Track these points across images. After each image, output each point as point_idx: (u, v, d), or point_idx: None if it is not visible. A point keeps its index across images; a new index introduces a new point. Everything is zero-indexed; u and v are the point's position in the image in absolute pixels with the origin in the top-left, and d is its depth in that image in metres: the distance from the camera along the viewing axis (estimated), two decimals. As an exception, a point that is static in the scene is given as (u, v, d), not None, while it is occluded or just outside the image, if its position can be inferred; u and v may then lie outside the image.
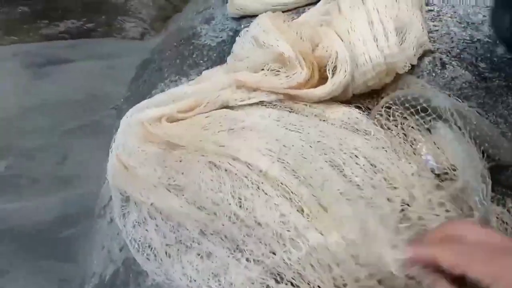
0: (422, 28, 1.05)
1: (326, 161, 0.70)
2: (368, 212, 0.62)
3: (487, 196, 0.68)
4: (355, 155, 0.76)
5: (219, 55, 1.27)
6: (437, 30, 1.11)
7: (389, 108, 0.88)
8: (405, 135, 0.85)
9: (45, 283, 1.58)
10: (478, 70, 1.00)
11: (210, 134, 0.71)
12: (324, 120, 0.87)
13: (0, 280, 1.57)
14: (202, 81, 0.83)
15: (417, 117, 0.84)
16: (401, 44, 0.98)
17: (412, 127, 0.85)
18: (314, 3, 1.30)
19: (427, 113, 0.83)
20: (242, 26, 1.36)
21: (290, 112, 0.82)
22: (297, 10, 1.31)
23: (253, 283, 0.66)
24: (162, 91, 1.18)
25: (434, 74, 1.01)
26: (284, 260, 0.66)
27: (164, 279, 0.77)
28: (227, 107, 0.79)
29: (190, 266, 0.75)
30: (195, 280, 0.74)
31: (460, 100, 0.90)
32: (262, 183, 0.66)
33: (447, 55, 1.05)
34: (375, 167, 0.76)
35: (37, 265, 1.61)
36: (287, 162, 0.68)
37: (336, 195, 0.65)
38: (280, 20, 0.90)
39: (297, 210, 0.64)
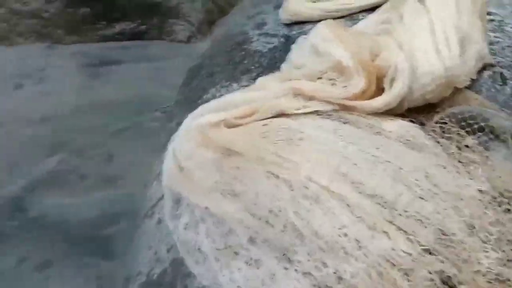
0: (483, 39, 1.01)
1: (386, 174, 0.68)
2: (447, 220, 0.60)
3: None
4: (414, 169, 0.74)
5: (270, 61, 1.27)
6: (498, 42, 1.06)
7: (445, 124, 0.86)
8: (460, 154, 0.82)
9: (84, 279, 1.63)
10: (543, 87, 0.95)
11: (268, 143, 0.71)
12: (379, 133, 0.85)
13: (45, 270, 1.64)
14: (258, 88, 0.83)
15: (473, 136, 0.81)
16: (461, 56, 0.94)
17: (467, 146, 0.82)
18: (367, 10, 1.29)
19: (484, 132, 0.80)
20: (294, 32, 1.36)
21: (345, 123, 0.81)
22: (350, 16, 1.30)
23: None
24: (213, 96, 1.19)
25: (493, 90, 0.96)
26: (337, 272, 0.65)
27: (211, 283, 0.78)
28: (282, 115, 0.79)
29: (238, 272, 0.75)
30: (242, 287, 0.74)
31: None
32: (322, 194, 0.65)
33: (509, 70, 1.00)
34: (434, 183, 0.74)
35: (78, 260, 1.67)
36: (347, 176, 0.67)
37: (405, 207, 0.63)
38: (341, 28, 0.89)
39: (360, 222, 0.63)
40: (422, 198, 0.67)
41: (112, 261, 1.67)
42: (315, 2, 1.31)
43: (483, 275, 0.62)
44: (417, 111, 0.92)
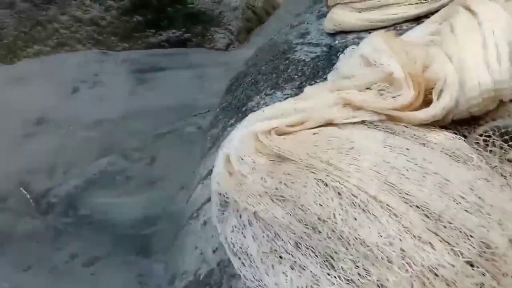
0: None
1: (434, 186, 0.69)
2: (490, 233, 0.60)
3: None
4: (460, 182, 0.74)
5: (313, 70, 1.29)
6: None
7: (489, 137, 0.85)
8: (502, 167, 0.81)
9: (126, 275, 1.71)
10: None
11: (319, 152, 0.73)
12: (424, 144, 0.86)
13: (92, 266, 1.73)
14: (307, 97, 0.85)
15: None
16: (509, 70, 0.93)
17: (510, 160, 0.81)
18: (412, 20, 1.29)
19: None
20: (337, 42, 1.38)
21: (392, 133, 0.82)
22: (394, 26, 1.30)
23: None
24: (258, 103, 1.23)
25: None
26: (380, 281, 0.66)
27: (256, 285, 0.80)
28: (331, 124, 0.81)
29: (284, 276, 0.77)
30: (287, 291, 0.75)
31: None
32: (370, 203, 0.66)
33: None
34: (479, 196, 0.74)
35: (122, 257, 1.76)
36: (396, 186, 0.68)
37: (451, 220, 0.64)
38: (393, 39, 0.90)
39: (406, 232, 0.64)
40: (467, 211, 0.67)
41: (151, 259, 1.74)
42: (360, 12, 1.32)
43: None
44: (460, 123, 0.92)
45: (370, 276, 0.67)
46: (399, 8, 1.28)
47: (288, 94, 1.22)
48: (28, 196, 2.04)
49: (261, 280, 0.79)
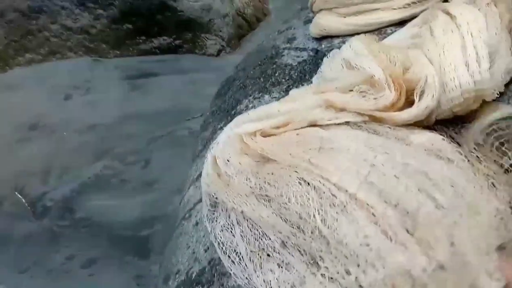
0: (511, 54, 1.02)
1: (414, 185, 0.71)
2: (461, 236, 0.62)
3: None
4: (442, 181, 0.76)
5: (300, 74, 1.33)
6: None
7: (472, 136, 0.87)
8: (485, 167, 0.82)
9: (124, 276, 1.73)
10: None
11: (301, 151, 0.75)
12: (408, 144, 0.88)
13: (90, 268, 1.75)
14: (292, 100, 0.88)
15: (497, 151, 0.82)
16: (489, 70, 0.96)
17: (494, 160, 0.82)
18: (396, 24, 1.32)
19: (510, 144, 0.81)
20: (323, 46, 1.41)
21: (375, 134, 0.85)
22: (379, 31, 1.34)
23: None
24: (247, 107, 1.26)
25: (520, 103, 0.98)
26: (357, 281, 0.67)
27: (246, 282, 0.82)
28: (315, 125, 0.84)
29: (271, 274, 0.79)
30: (274, 288, 0.77)
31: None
32: (348, 203, 0.68)
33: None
34: (461, 194, 0.75)
35: (119, 259, 1.78)
36: (375, 185, 0.70)
37: (425, 218, 0.66)
38: (374, 43, 0.93)
39: (382, 233, 0.66)
40: (444, 208, 0.68)
41: (149, 260, 1.77)
42: (345, 17, 1.35)
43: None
44: (446, 124, 0.95)
45: (349, 275, 0.68)
46: (383, 13, 1.31)
47: (275, 98, 1.25)
48: (23, 200, 2.06)
49: (250, 278, 0.81)
